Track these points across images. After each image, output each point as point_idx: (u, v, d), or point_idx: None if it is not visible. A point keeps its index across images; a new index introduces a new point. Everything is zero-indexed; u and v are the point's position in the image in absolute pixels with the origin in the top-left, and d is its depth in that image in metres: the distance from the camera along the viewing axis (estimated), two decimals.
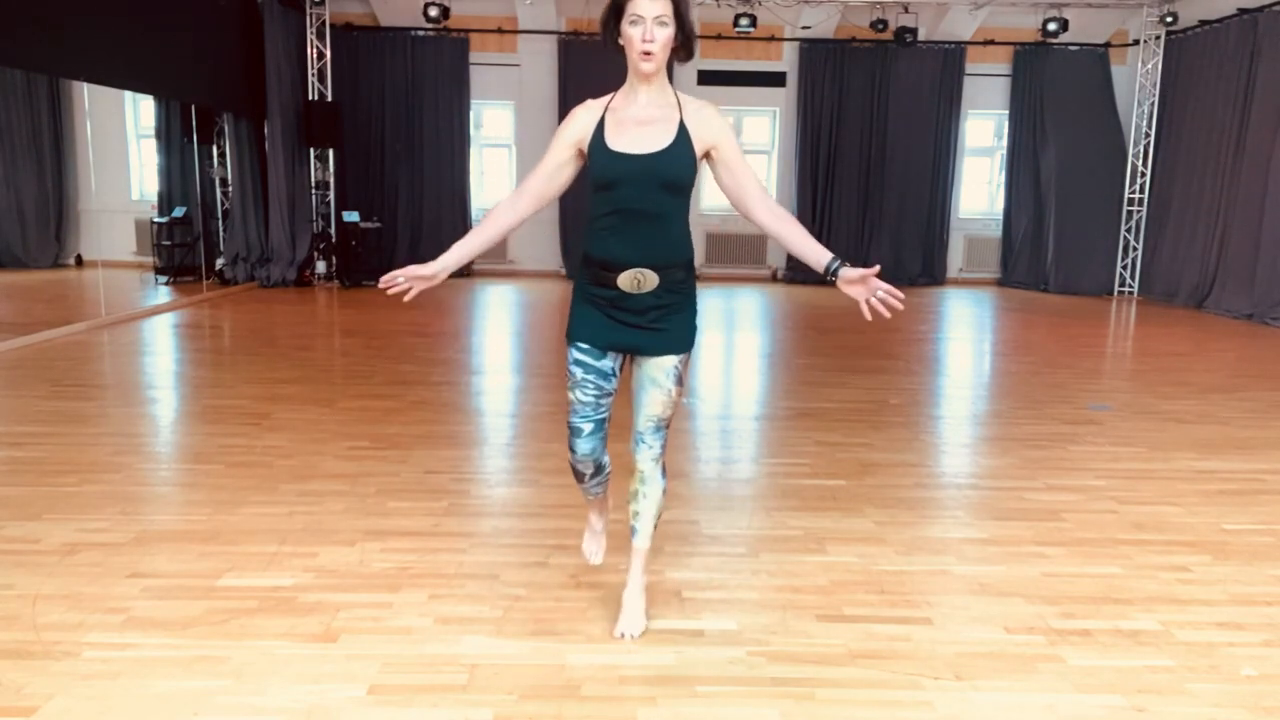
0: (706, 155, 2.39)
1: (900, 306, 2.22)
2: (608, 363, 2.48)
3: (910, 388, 6.24)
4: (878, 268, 2.26)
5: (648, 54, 2.27)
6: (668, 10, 2.25)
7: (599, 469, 2.63)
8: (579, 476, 2.65)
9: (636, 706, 2.28)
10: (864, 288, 2.25)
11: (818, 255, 2.32)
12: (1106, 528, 3.58)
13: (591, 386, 2.48)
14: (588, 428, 2.51)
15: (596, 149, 2.36)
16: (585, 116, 2.41)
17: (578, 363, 2.47)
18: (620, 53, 2.34)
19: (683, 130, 2.34)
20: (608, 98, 2.42)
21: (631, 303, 2.40)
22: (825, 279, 2.31)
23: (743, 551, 3.24)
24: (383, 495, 3.77)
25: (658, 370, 2.47)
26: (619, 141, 2.34)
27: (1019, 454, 4.59)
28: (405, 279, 2.40)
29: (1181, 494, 4.01)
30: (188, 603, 2.78)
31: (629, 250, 2.36)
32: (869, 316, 2.28)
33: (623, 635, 2.61)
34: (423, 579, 2.98)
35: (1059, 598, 2.94)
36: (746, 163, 2.40)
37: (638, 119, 2.35)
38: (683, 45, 2.33)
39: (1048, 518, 3.67)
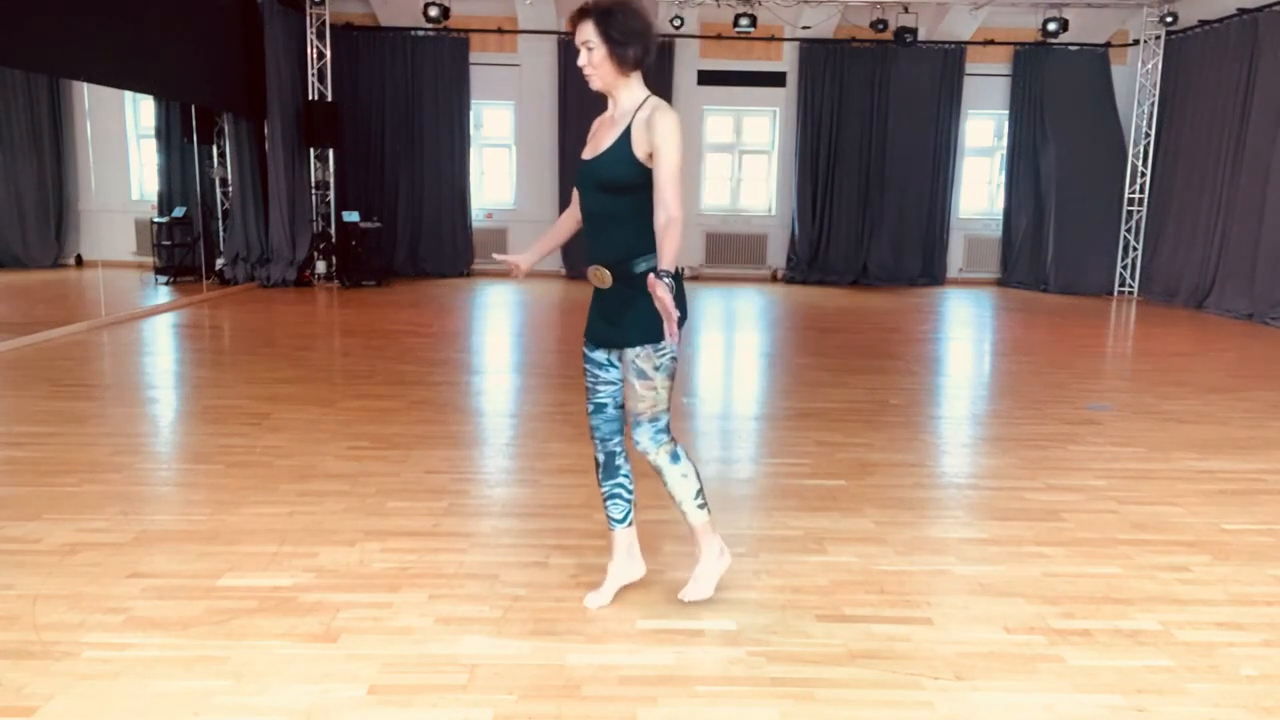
0: (650, 157, 2.47)
1: (670, 338, 2.32)
2: (600, 354, 2.73)
3: (910, 388, 6.24)
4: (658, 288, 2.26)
5: (587, 78, 2.52)
6: (592, 35, 2.46)
7: (609, 461, 2.82)
8: (595, 463, 2.86)
9: (636, 706, 2.28)
10: (655, 300, 2.27)
11: (659, 260, 2.37)
12: (1106, 528, 3.58)
13: (588, 374, 2.77)
14: (589, 408, 2.80)
15: None
16: (593, 129, 2.70)
17: (584, 353, 2.78)
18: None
19: (625, 134, 2.50)
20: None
21: (603, 298, 2.64)
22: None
23: (743, 551, 3.24)
24: (383, 495, 3.77)
25: (624, 363, 2.66)
26: (585, 149, 2.63)
27: (1019, 454, 4.59)
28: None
29: (1181, 494, 4.01)
30: (188, 603, 2.78)
31: (590, 248, 2.62)
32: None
33: (682, 599, 2.82)
34: (423, 579, 2.98)
35: (1059, 598, 2.94)
36: (667, 171, 2.42)
37: (605, 125, 2.61)
38: (618, 57, 2.46)
39: (1048, 518, 3.67)
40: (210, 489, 3.82)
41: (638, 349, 2.58)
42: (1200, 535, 3.52)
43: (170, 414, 5.25)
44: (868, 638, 2.65)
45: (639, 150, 2.46)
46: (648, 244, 2.52)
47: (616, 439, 2.80)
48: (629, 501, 2.86)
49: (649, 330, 2.55)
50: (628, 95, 2.53)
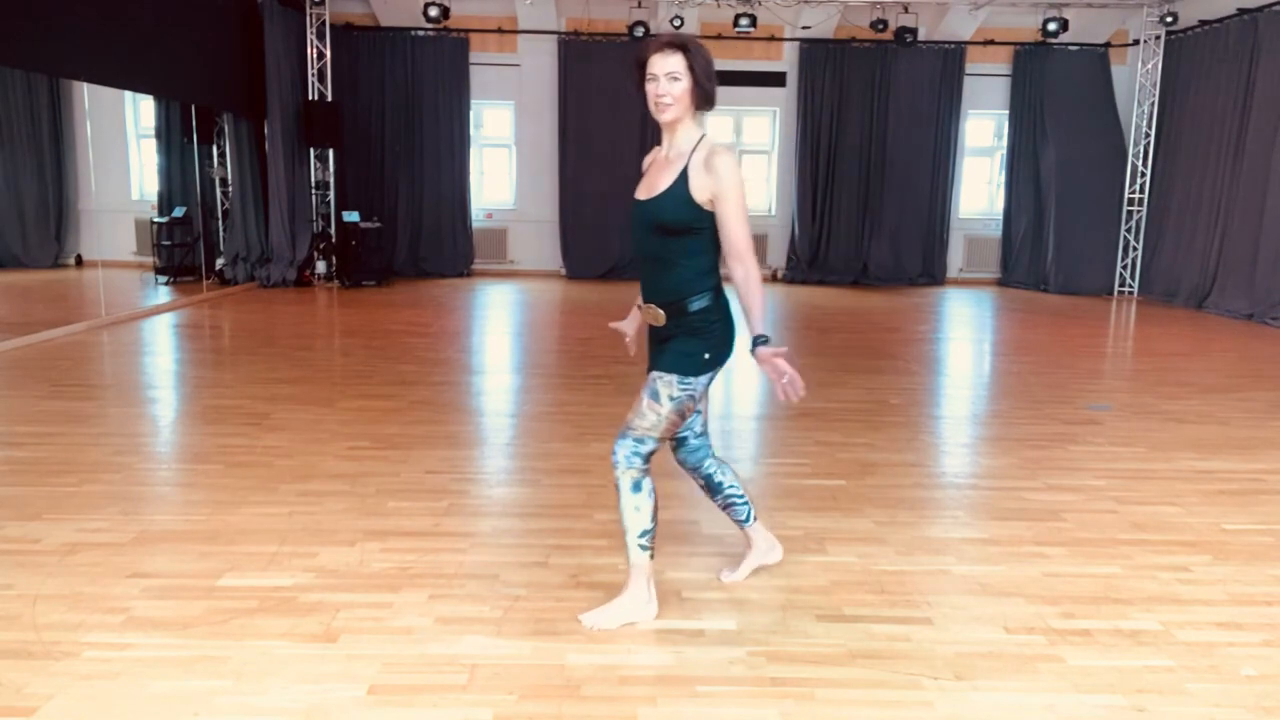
0: (711, 201, 2.46)
1: (795, 398, 2.39)
2: None
3: (910, 388, 6.24)
4: (785, 349, 2.42)
5: (660, 107, 2.45)
6: (680, 66, 2.41)
7: (709, 482, 2.89)
8: (701, 487, 2.94)
9: (636, 706, 2.28)
10: (770, 368, 2.40)
11: (752, 325, 2.47)
12: (1106, 528, 3.58)
13: None
14: (672, 445, 2.83)
15: None
16: (645, 164, 2.68)
17: None
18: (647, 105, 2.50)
19: (682, 175, 2.46)
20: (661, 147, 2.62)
21: (656, 332, 2.66)
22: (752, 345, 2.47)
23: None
24: (383, 495, 3.77)
25: (646, 381, 2.63)
26: (639, 189, 2.58)
27: (1019, 454, 4.59)
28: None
29: (1181, 494, 4.01)
30: (188, 603, 2.78)
31: (643, 288, 2.63)
32: (781, 398, 2.43)
33: (580, 619, 2.69)
34: (423, 579, 2.98)
35: (1059, 598, 2.94)
36: (735, 221, 2.45)
37: (659, 165, 2.56)
38: (699, 96, 2.46)
39: (1048, 518, 3.67)
40: (210, 489, 3.82)
41: (663, 373, 2.57)
42: (1200, 535, 3.52)
43: (170, 414, 5.25)
44: (868, 638, 2.65)
45: (698, 194, 2.44)
46: (703, 284, 2.54)
47: (706, 463, 2.87)
48: (745, 502, 2.94)
49: (681, 361, 2.56)
50: (686, 134, 2.51)
